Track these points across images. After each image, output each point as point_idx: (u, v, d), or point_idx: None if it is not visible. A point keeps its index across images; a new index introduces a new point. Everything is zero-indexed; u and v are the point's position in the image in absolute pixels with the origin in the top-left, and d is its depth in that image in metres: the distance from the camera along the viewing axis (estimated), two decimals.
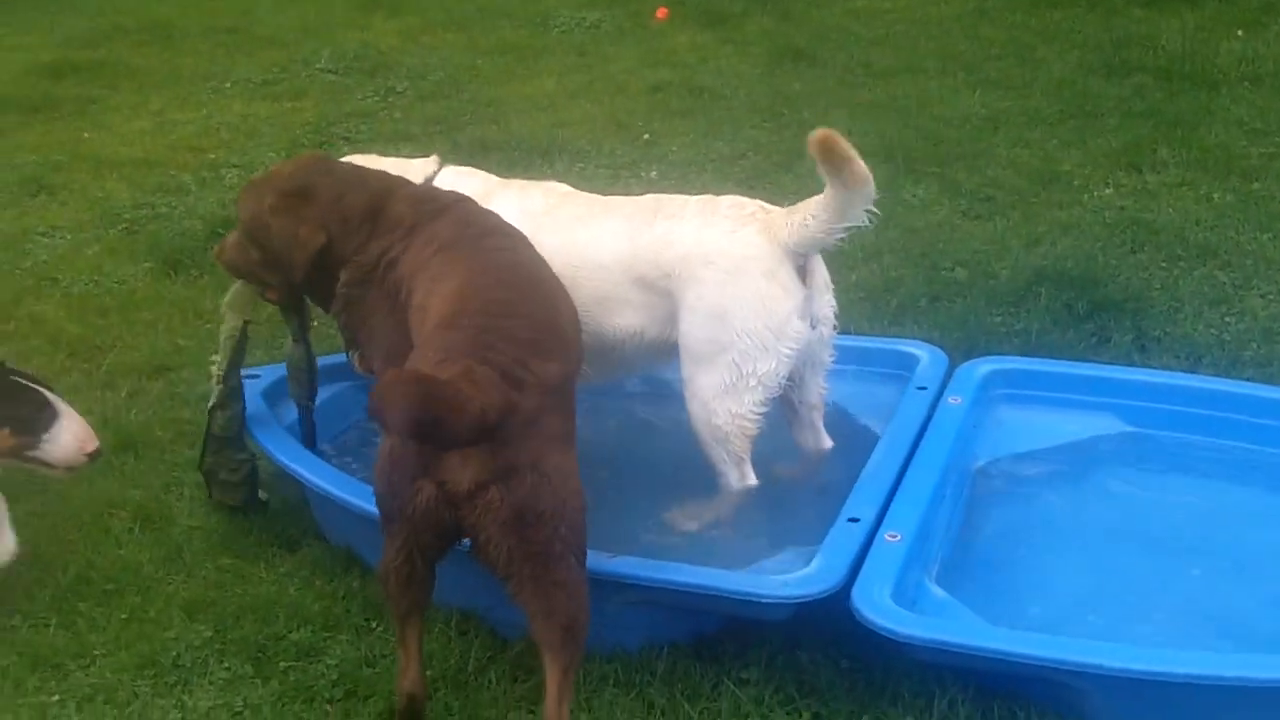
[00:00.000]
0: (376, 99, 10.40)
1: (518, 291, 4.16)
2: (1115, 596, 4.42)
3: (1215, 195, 7.84)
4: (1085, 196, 7.92)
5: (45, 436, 3.98)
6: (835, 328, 4.95)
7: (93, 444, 4.25)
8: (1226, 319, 6.36)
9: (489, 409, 3.51)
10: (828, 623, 4.14)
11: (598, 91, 10.42)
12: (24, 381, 4.23)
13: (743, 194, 7.94)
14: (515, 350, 3.77)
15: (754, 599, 4.04)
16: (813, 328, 4.78)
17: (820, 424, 5.10)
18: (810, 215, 4.73)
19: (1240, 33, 11.16)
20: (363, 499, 4.47)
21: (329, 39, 12.02)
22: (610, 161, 8.79)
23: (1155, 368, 5.78)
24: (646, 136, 9.29)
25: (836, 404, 5.29)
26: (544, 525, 3.65)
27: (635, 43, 11.83)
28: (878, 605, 3.91)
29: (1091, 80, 10.13)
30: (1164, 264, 6.94)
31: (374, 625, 4.46)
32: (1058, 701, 3.90)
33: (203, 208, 8.15)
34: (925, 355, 5.47)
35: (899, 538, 4.22)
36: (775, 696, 4.06)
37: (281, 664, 4.30)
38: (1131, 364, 5.85)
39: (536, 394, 3.69)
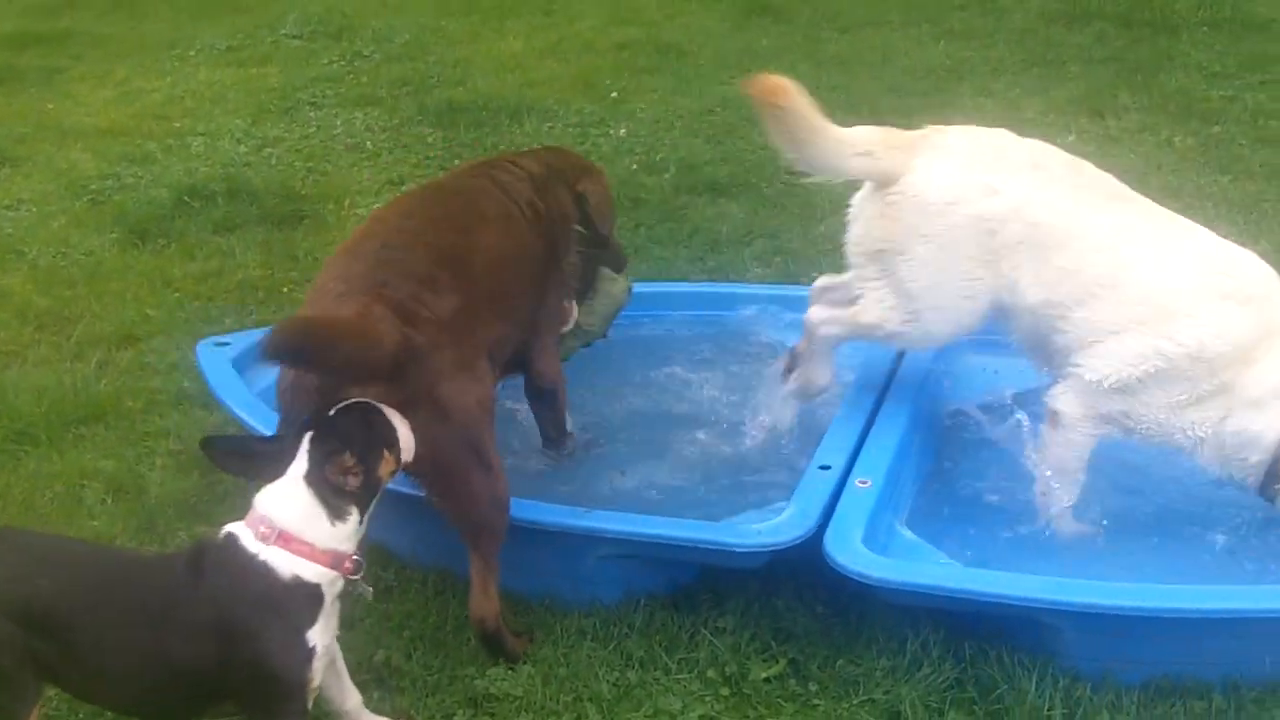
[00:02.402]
0: (342, 63, 10.39)
1: (426, 221, 4.35)
2: (1080, 536, 4.49)
3: (1176, 139, 7.93)
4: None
5: (400, 440, 3.71)
6: None
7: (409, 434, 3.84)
8: None
9: (383, 356, 3.72)
10: (803, 569, 4.19)
11: (565, 50, 10.43)
12: (360, 401, 3.72)
13: (710, 149, 8.03)
14: (411, 286, 3.98)
15: (729, 548, 4.08)
16: None
17: None
18: None
19: None
20: None
21: (294, 3, 12.00)
22: (579, 120, 8.81)
23: None
24: (614, 94, 9.32)
25: None
26: (445, 448, 3.91)
27: (602, 1, 11.81)
28: (850, 550, 3.96)
29: (1053, 29, 10.20)
30: None
31: None
32: (1028, 639, 3.95)
33: (169, 176, 8.14)
34: None
35: (869, 484, 4.27)
36: (752, 644, 4.11)
37: None
38: None
39: (431, 329, 3.92)
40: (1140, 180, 7.13)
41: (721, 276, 6.51)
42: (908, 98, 8.86)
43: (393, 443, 3.68)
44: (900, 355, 5.11)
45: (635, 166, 8.00)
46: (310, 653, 3.46)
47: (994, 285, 4.49)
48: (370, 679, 3.99)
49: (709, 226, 7.08)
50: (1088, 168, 4.65)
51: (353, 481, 3.53)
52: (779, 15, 11.02)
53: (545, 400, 4.91)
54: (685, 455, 5.05)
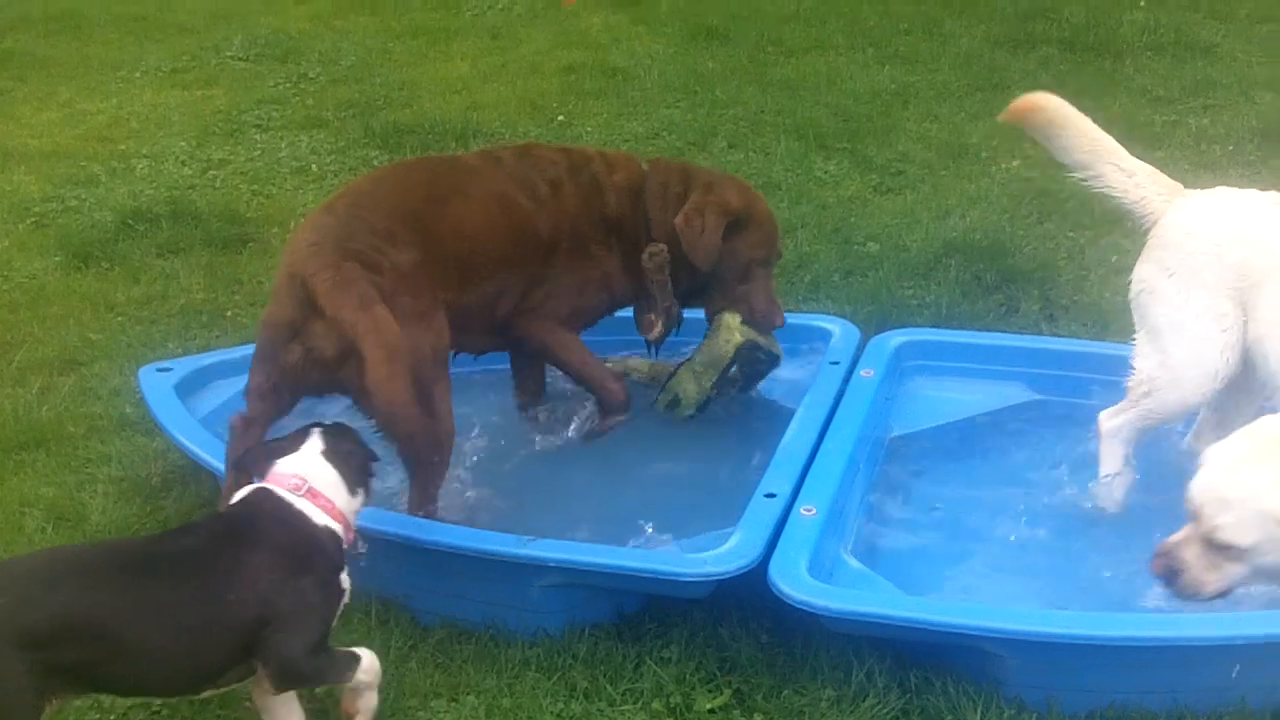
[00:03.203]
0: (288, 85, 10.34)
1: (389, 186, 4.88)
2: (1027, 563, 4.50)
3: None
4: (993, 168, 8.04)
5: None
6: None
7: None
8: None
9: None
10: (748, 598, 4.18)
11: (511, 73, 10.42)
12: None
13: None
14: (373, 239, 4.52)
15: (674, 578, 4.08)
16: None
17: None
18: None
19: (1142, 3, 11.35)
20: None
21: (240, 25, 11.93)
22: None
23: (1063, 336, 5.89)
24: (561, 117, 9.31)
25: None
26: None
27: (548, 24, 11.83)
28: (794, 579, 3.96)
29: (998, 53, 10.27)
30: (1070, 233, 7.06)
31: None
32: (973, 667, 3.95)
33: (113, 199, 8.07)
34: (838, 329, 5.54)
35: (814, 511, 4.28)
36: (697, 674, 4.10)
37: None
38: (1040, 333, 5.96)
39: (392, 276, 4.44)
40: (1083, 206, 7.28)
41: None
42: (853, 121, 8.90)
43: (372, 457, 4.03)
44: (846, 381, 5.13)
45: None
46: (341, 593, 3.76)
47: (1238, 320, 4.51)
48: (313, 709, 3.94)
49: None
50: None
51: (371, 470, 3.98)
52: (724, 39, 11.05)
53: (561, 368, 5.27)
54: (633, 482, 5.06)
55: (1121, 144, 8.06)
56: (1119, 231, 7.01)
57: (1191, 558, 3.92)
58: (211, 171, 8.54)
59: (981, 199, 7.57)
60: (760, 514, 4.27)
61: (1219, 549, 3.88)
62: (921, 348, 5.52)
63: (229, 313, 6.56)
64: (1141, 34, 10.50)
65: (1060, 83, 9.34)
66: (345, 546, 3.83)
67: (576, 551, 4.24)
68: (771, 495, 4.36)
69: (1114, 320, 6.07)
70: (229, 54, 11.17)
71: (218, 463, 4.66)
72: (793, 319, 5.78)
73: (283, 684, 3.69)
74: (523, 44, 11.25)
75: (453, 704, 4.02)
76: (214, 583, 3.57)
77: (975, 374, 5.42)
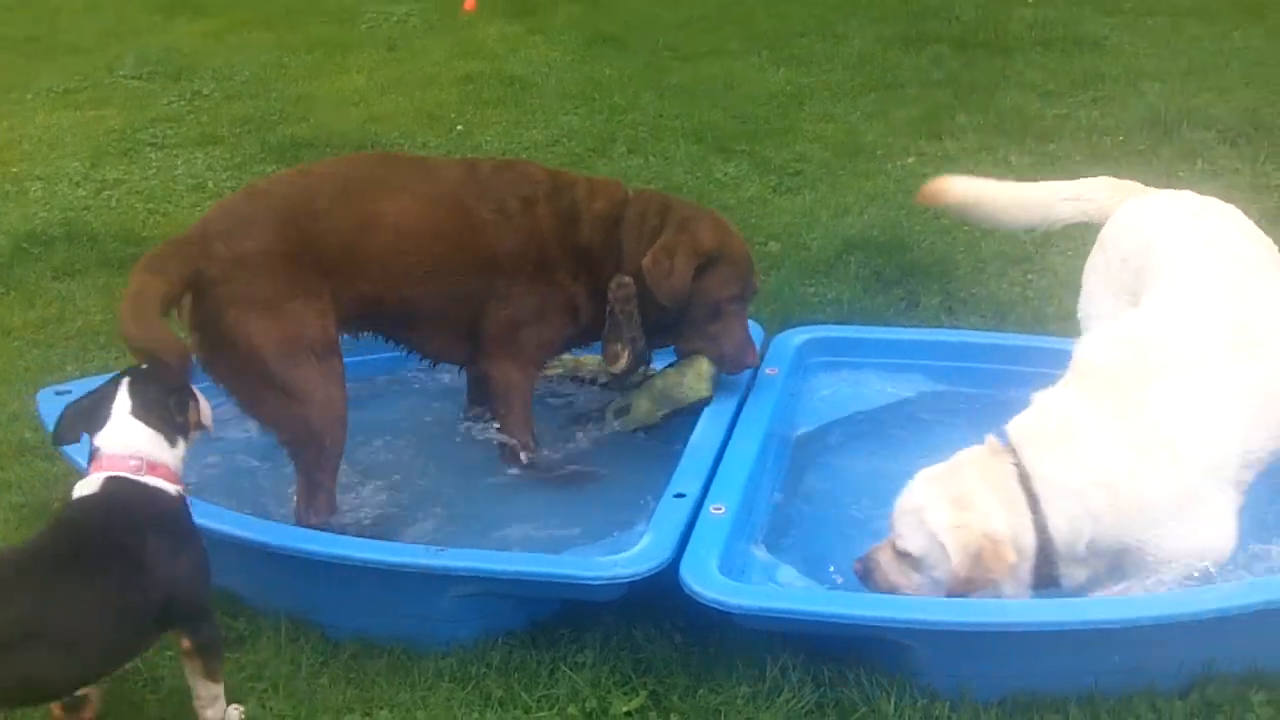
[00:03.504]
0: (182, 102, 10.24)
1: (318, 177, 5.01)
2: None
3: (1013, 158, 8.10)
4: (889, 166, 8.13)
5: (197, 400, 4.03)
6: None
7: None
8: (1029, 276, 6.57)
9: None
10: (661, 598, 4.18)
11: (408, 84, 10.39)
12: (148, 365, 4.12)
13: None
14: (227, 224, 4.70)
15: (584, 581, 4.08)
16: None
17: None
18: None
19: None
20: (201, 516, 4.45)
21: (132, 44, 11.82)
22: (423, 153, 8.76)
23: (963, 328, 5.95)
24: (460, 127, 9.30)
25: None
26: (234, 372, 4.66)
27: (445, 35, 11.81)
28: (705, 577, 3.97)
29: (891, 52, 10.38)
30: (967, 228, 7.11)
31: None
32: (886, 658, 3.98)
33: (6, 222, 7.94)
34: None
35: (724, 510, 4.29)
36: (612, 677, 4.09)
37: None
38: (940, 325, 6.03)
39: (222, 265, 4.56)
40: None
41: None
42: (751, 124, 8.97)
43: (194, 397, 4.00)
44: (752, 379, 5.16)
45: None
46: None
47: None
48: None
49: None
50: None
51: (179, 419, 3.89)
52: (621, 46, 11.08)
53: (492, 402, 5.16)
54: (540, 486, 5.05)
55: (1014, 139, 8.25)
56: None
57: (884, 561, 4.15)
58: (106, 191, 8.44)
59: (879, 196, 7.64)
60: (670, 514, 4.28)
61: (902, 556, 4.11)
62: (824, 344, 5.56)
63: None
64: (1031, 30, 10.67)
65: (952, 80, 9.51)
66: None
67: (487, 560, 4.23)
68: (681, 495, 4.37)
69: (1011, 311, 6.18)
70: (121, 73, 11.06)
71: None
72: None
73: (207, 653, 3.76)
74: (419, 55, 11.23)
75: (366, 719, 3.99)
76: (123, 572, 3.60)
77: (878, 368, 5.47)
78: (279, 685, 4.13)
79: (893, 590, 4.10)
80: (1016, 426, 4.21)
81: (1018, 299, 6.35)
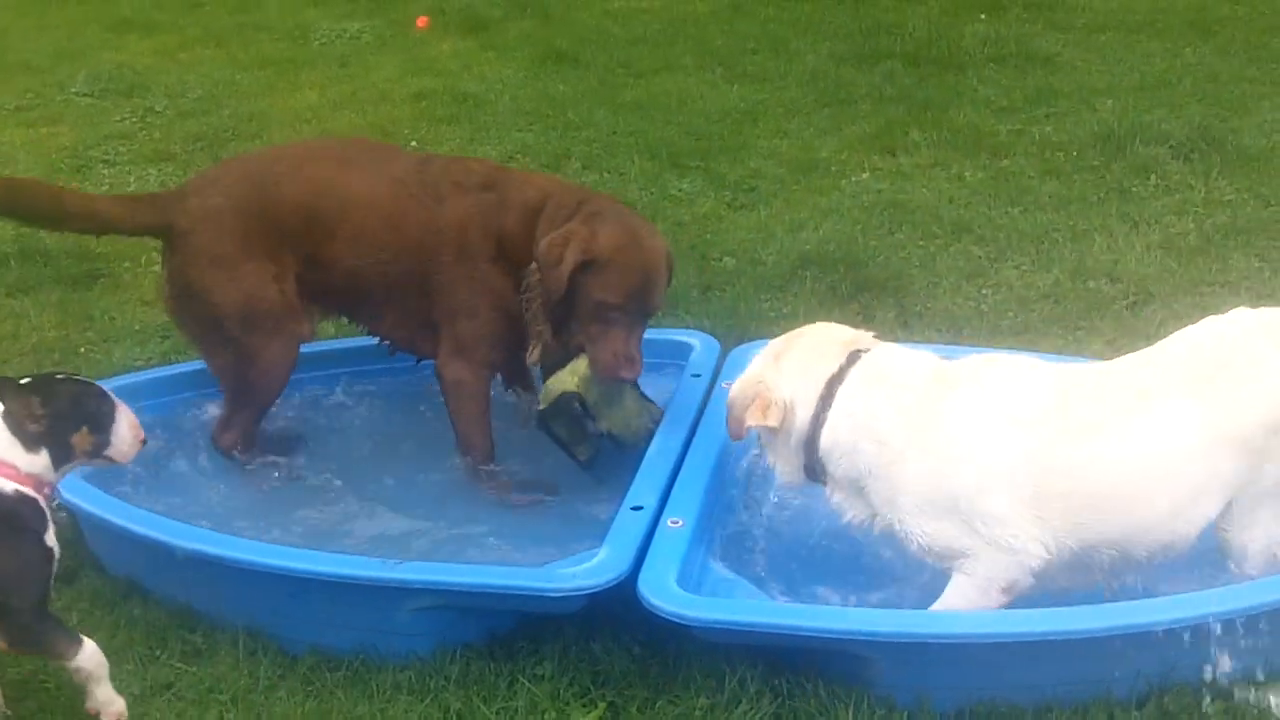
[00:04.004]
0: (134, 120, 10.18)
1: (296, 150, 5.66)
2: (888, 563, 4.55)
3: (966, 173, 8.15)
4: (843, 181, 8.16)
5: (111, 430, 4.04)
6: None
7: (143, 433, 4.19)
8: (983, 291, 6.62)
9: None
10: (619, 611, 4.18)
11: (362, 101, 10.37)
12: (83, 379, 4.22)
13: None
14: (198, 183, 5.28)
15: (543, 594, 4.08)
16: None
17: None
18: None
19: (983, 16, 11.60)
20: (144, 525, 4.44)
21: (84, 61, 11.72)
22: None
23: (918, 341, 5.96)
24: (414, 144, 9.27)
25: None
26: (195, 310, 5.12)
27: (397, 52, 11.79)
28: (663, 591, 3.98)
29: (844, 69, 10.42)
30: (921, 242, 7.19)
31: (159, 654, 4.37)
32: (844, 670, 4.00)
33: None
34: (698, 343, 5.58)
35: (681, 523, 4.30)
36: (570, 689, 4.10)
37: (64, 697, 4.19)
38: (896, 339, 6.02)
39: (186, 217, 5.06)
40: (933, 215, 7.43)
41: None
42: (705, 140, 8.99)
43: (96, 425, 4.01)
44: (708, 392, 5.16)
45: None
46: (50, 552, 3.87)
47: None
48: None
49: None
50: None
51: (33, 427, 3.88)
52: (574, 62, 11.09)
53: (445, 401, 5.16)
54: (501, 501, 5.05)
55: (968, 154, 8.29)
56: (969, 239, 7.19)
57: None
58: None
59: (833, 212, 7.68)
60: (627, 527, 4.28)
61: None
62: None
63: (82, 349, 6.45)
64: (983, 46, 10.73)
65: (906, 96, 9.56)
66: (44, 507, 3.89)
67: (445, 572, 4.24)
68: (638, 508, 4.37)
69: (966, 325, 6.22)
70: (73, 90, 10.97)
71: (78, 498, 4.61)
72: (654, 334, 5.81)
73: (15, 643, 3.84)
74: (372, 72, 11.20)
75: None
76: None
77: None
78: (237, 698, 4.14)
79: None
80: (880, 352, 4.42)
81: (972, 313, 6.39)
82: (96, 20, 13.19)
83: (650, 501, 4.42)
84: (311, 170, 5.20)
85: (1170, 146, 8.37)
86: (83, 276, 7.25)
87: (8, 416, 3.89)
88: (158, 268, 7.12)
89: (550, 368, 5.08)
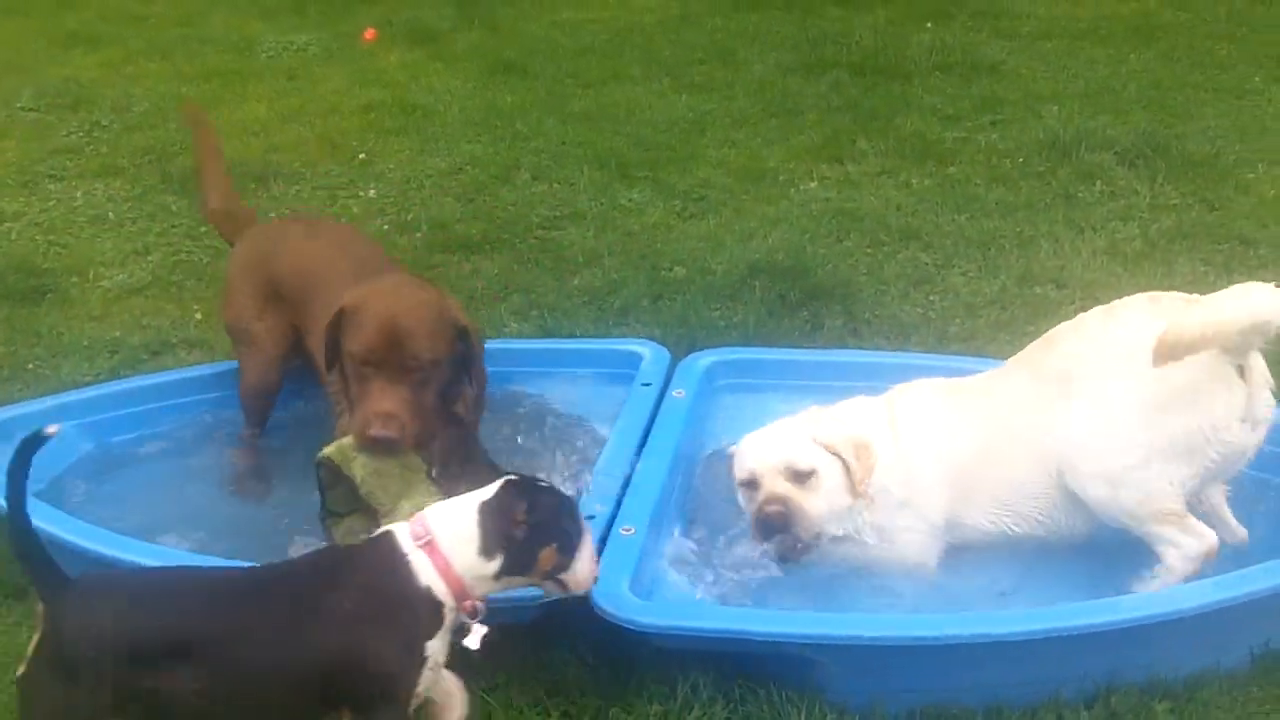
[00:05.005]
0: (81, 134, 10.11)
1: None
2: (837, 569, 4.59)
3: (914, 181, 8.21)
4: (792, 190, 8.20)
5: (576, 554, 3.75)
6: None
7: (597, 570, 3.89)
8: (931, 298, 6.66)
9: None
10: (573, 619, 4.18)
11: (309, 114, 10.33)
12: (561, 491, 3.89)
13: (461, 208, 8.05)
14: None
15: (496, 603, 4.06)
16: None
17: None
18: None
19: (929, 25, 11.68)
20: (92, 540, 4.41)
21: (29, 76, 11.62)
22: (326, 182, 8.75)
23: (867, 349, 6.02)
24: (362, 156, 9.26)
25: (565, 407, 5.46)
26: None
27: (345, 64, 11.76)
28: (616, 598, 4.00)
29: (791, 79, 10.47)
30: (869, 250, 7.23)
31: None
32: (796, 675, 4.01)
33: None
34: (648, 352, 5.60)
35: (634, 531, 4.33)
36: (524, 699, 4.10)
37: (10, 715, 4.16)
38: (844, 346, 6.09)
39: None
40: (880, 223, 7.47)
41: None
42: (654, 150, 9.00)
43: (566, 545, 3.73)
44: (659, 402, 5.18)
45: (387, 227, 7.97)
46: (423, 659, 3.58)
47: None
48: None
49: (464, 284, 7.06)
50: None
51: (516, 533, 3.63)
52: (523, 73, 11.09)
53: None
54: None
55: (915, 162, 8.36)
56: (916, 246, 7.23)
57: (789, 494, 4.57)
58: (6, 224, 8.31)
59: (782, 220, 7.71)
60: None
61: (801, 478, 4.57)
62: (731, 366, 5.59)
63: (30, 365, 6.40)
64: (930, 55, 10.81)
65: (853, 105, 9.62)
66: (452, 613, 3.65)
67: None
68: (590, 517, 4.37)
69: (914, 332, 6.26)
70: (19, 105, 10.87)
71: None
72: (602, 344, 5.88)
73: None
74: (320, 84, 11.18)
75: None
76: (302, 632, 3.51)
77: (784, 389, 5.49)
78: None
79: (813, 527, 4.43)
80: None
81: (920, 320, 6.43)
82: (41, 34, 13.09)
83: (603, 510, 4.44)
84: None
85: (1115, 153, 8.45)
86: (30, 292, 7.20)
87: (486, 511, 3.65)
88: (105, 283, 7.21)
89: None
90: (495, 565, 3.62)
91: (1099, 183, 8.04)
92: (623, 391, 5.38)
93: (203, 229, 7.91)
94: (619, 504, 4.50)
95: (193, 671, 3.41)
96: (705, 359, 5.57)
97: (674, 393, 5.26)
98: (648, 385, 5.32)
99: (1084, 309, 6.15)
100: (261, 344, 5.40)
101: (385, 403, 4.46)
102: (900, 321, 6.38)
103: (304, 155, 9.28)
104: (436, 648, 3.61)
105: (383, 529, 3.71)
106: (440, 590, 3.59)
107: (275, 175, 8.81)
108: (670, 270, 7.12)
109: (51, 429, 3.61)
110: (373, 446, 4.43)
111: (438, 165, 9.01)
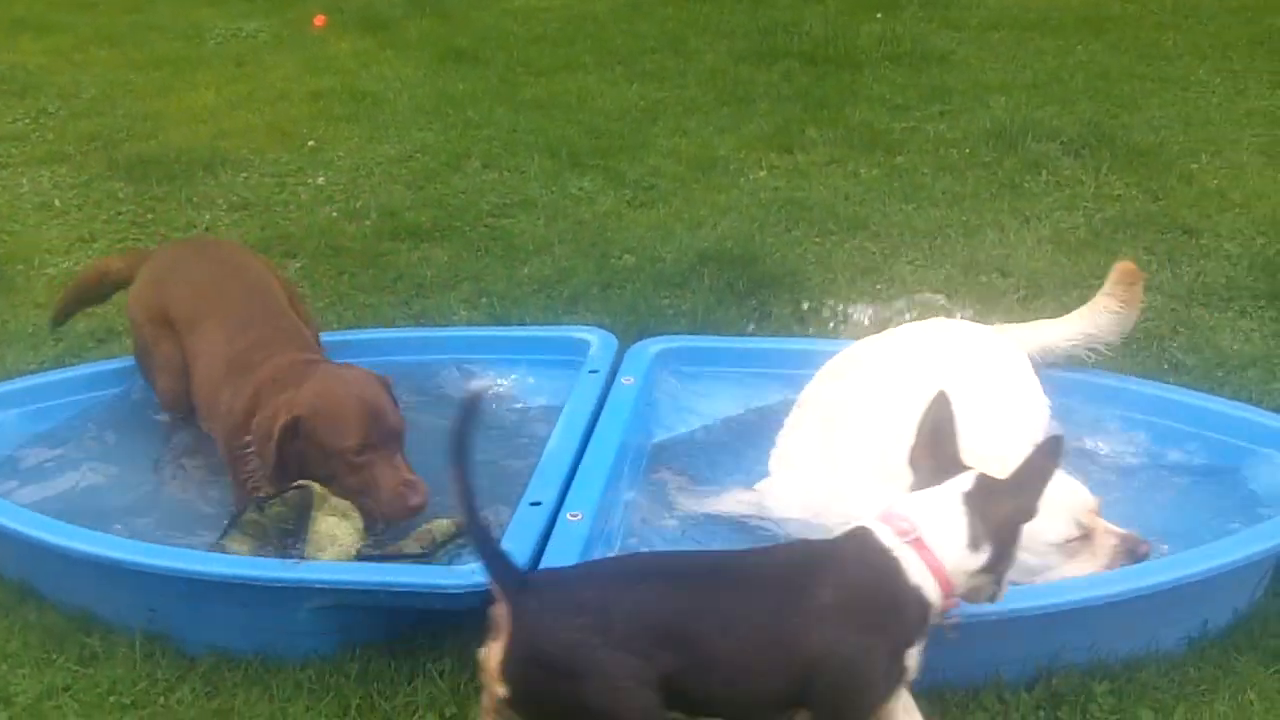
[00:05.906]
0: (28, 121, 10.05)
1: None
2: None
3: (862, 171, 8.25)
4: (741, 179, 8.23)
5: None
6: None
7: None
8: (878, 286, 6.69)
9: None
10: None
11: (258, 101, 10.30)
12: None
13: (411, 195, 8.04)
14: None
15: (443, 591, 4.08)
16: None
17: None
18: None
19: (879, 15, 11.74)
20: (38, 528, 4.40)
21: None
22: (275, 170, 8.72)
23: (814, 337, 6.05)
24: (311, 143, 9.24)
25: (512, 394, 5.47)
26: None
27: (295, 51, 11.72)
28: None
29: (742, 68, 10.51)
30: (817, 239, 7.27)
31: (55, 658, 4.31)
32: None
33: None
34: (596, 339, 5.60)
35: (580, 517, 4.34)
36: (470, 684, 4.08)
37: None
38: (792, 335, 6.12)
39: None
40: (829, 211, 7.51)
41: (428, 321, 6.51)
42: (605, 138, 9.02)
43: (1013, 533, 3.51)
44: (606, 389, 5.20)
45: (335, 214, 7.95)
46: (903, 669, 3.40)
47: None
48: None
49: (413, 272, 7.07)
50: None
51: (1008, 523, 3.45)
52: (474, 60, 11.09)
53: None
54: None
55: (863, 152, 8.40)
56: (864, 235, 7.27)
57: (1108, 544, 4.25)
58: None
59: (732, 209, 7.74)
60: (526, 522, 4.30)
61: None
62: (679, 354, 5.61)
63: None
64: (879, 45, 10.87)
65: (803, 94, 9.66)
66: (934, 614, 3.45)
67: (344, 571, 4.23)
68: (537, 503, 4.39)
69: (860, 320, 6.27)
70: None
71: None
72: (549, 331, 5.90)
73: None
74: (269, 71, 11.14)
75: None
76: (784, 625, 3.32)
77: (732, 377, 5.52)
78: (136, 701, 4.11)
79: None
80: None
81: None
82: None
83: (549, 496, 4.45)
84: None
85: (1061, 143, 8.53)
86: None
87: (974, 500, 3.44)
88: (51, 270, 7.17)
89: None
90: (981, 559, 3.42)
91: (1045, 172, 8.11)
92: (569, 378, 5.39)
93: (149, 215, 7.91)
94: (565, 491, 4.50)
95: (673, 660, 3.26)
96: (654, 346, 5.58)
97: (623, 379, 5.27)
98: (595, 372, 5.33)
99: (1028, 297, 6.27)
100: (168, 364, 5.31)
101: (404, 473, 4.64)
102: (847, 310, 6.40)
103: (252, 142, 9.25)
104: (915, 657, 3.43)
105: (858, 525, 3.48)
106: (930, 590, 3.39)
107: (223, 162, 8.78)
108: (620, 258, 7.14)
109: None
110: (414, 514, 4.60)
111: (388, 153, 9.00)
